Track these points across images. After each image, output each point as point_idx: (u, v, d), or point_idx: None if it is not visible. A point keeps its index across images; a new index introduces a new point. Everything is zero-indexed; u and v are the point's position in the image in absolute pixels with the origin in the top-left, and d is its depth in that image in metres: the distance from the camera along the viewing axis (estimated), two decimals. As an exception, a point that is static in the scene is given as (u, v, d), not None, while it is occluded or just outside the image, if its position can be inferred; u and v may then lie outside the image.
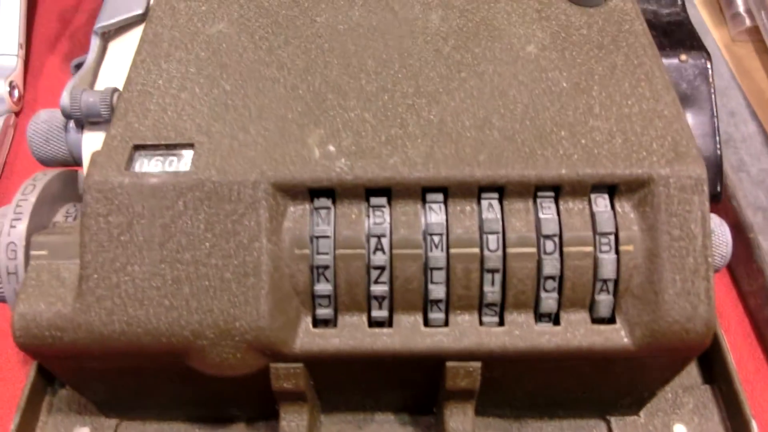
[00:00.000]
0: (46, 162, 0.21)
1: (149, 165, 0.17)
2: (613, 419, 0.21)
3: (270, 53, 0.20)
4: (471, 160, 0.17)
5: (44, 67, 0.35)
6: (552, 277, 0.17)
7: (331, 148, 0.18)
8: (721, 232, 0.19)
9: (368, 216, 0.17)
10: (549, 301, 0.17)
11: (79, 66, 0.25)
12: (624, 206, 0.17)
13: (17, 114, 0.33)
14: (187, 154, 0.18)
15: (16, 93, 0.33)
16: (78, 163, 0.20)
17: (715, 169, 0.21)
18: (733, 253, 0.27)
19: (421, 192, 0.17)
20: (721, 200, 0.21)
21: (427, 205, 0.17)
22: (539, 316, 0.17)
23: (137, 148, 0.18)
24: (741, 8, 0.33)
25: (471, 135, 0.18)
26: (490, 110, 0.18)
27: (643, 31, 0.20)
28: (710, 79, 0.21)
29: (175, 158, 0.18)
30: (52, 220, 0.19)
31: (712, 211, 0.20)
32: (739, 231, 0.26)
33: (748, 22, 0.32)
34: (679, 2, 0.22)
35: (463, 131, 0.18)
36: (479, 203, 0.17)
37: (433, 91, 0.19)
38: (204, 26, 0.21)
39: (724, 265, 0.20)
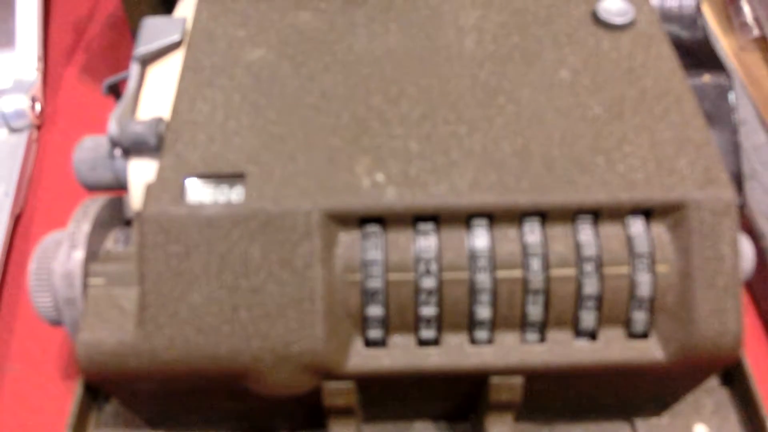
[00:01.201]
0: (92, 187, 0.21)
1: (203, 195, 0.18)
2: (637, 420, 0.22)
3: (311, 80, 0.21)
4: (513, 187, 0.18)
5: (62, 79, 0.36)
6: (591, 297, 0.18)
7: (380, 176, 0.18)
8: (743, 248, 0.20)
9: (416, 242, 0.18)
10: (588, 319, 0.18)
11: (112, 87, 0.25)
12: (659, 229, 0.18)
13: (39, 128, 0.33)
14: (239, 184, 0.18)
15: (37, 107, 0.33)
16: (123, 188, 0.21)
17: (738, 185, 0.22)
18: (747, 260, 0.28)
19: (467, 218, 0.18)
20: (743, 212, 0.22)
21: (472, 231, 0.18)
22: (578, 333, 0.18)
23: (190, 178, 0.18)
24: (749, 18, 0.33)
25: (512, 162, 0.18)
26: (529, 137, 0.19)
27: (670, 55, 0.21)
28: (731, 99, 0.22)
29: (227, 187, 0.18)
30: (103, 246, 0.20)
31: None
32: (753, 239, 0.27)
33: (756, 31, 0.33)
34: (700, 24, 0.23)
35: (504, 158, 0.19)
36: (522, 228, 0.18)
37: (473, 117, 0.20)
38: (243, 52, 0.21)
39: (747, 278, 0.21)
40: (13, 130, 0.32)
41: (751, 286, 0.28)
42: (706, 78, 0.22)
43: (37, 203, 0.31)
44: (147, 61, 0.22)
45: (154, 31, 0.23)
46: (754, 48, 0.33)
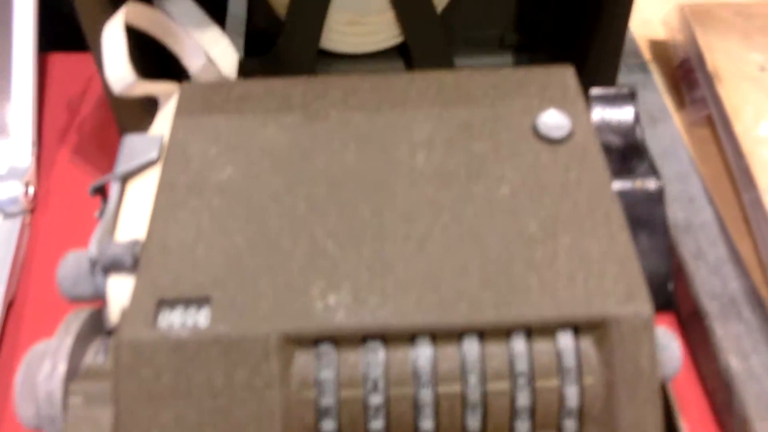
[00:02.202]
0: (74, 300, 0.23)
1: (172, 318, 0.20)
2: None
3: (274, 201, 0.23)
4: (453, 308, 0.20)
5: (55, 161, 0.38)
6: (525, 408, 0.20)
7: (332, 299, 0.20)
8: (671, 348, 0.22)
9: (365, 360, 0.20)
10: (523, 428, 0.20)
11: (98, 189, 0.27)
12: (586, 343, 0.20)
13: (31, 211, 0.35)
14: (206, 307, 0.20)
15: (30, 190, 0.35)
16: (103, 301, 0.23)
17: (668, 287, 0.23)
18: (693, 338, 0.30)
19: (411, 337, 0.20)
20: (674, 308, 0.24)
21: (416, 349, 0.20)
22: (515, 438, 0.20)
23: (161, 303, 0.20)
24: (700, 94, 0.35)
25: (453, 283, 0.20)
26: (470, 257, 0.21)
27: (603, 168, 0.23)
28: (664, 203, 0.24)
29: (195, 310, 0.20)
30: (84, 359, 0.22)
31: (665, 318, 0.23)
32: (698, 318, 0.29)
33: (707, 108, 0.35)
34: (638, 133, 0.25)
35: (446, 278, 0.20)
36: (461, 345, 0.20)
37: (420, 237, 0.22)
38: (214, 172, 0.24)
39: (675, 374, 0.22)
40: (7, 216, 0.34)
41: (698, 363, 0.29)
42: (639, 183, 0.24)
43: (29, 288, 0.33)
44: (126, 178, 0.24)
45: (133, 148, 0.25)
46: (704, 124, 0.35)
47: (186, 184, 0.23)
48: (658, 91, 0.38)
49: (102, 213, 0.27)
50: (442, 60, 0.39)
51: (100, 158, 0.38)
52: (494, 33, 0.39)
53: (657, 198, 0.24)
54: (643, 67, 0.40)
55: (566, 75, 0.26)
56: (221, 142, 0.24)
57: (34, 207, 0.35)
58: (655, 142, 0.35)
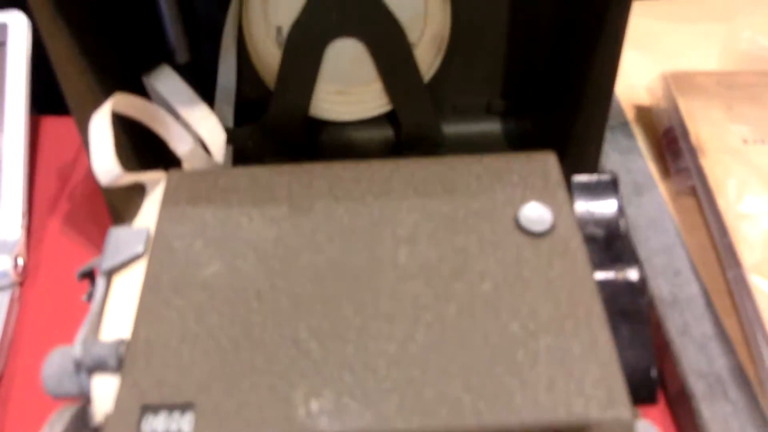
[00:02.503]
0: (59, 397, 0.23)
1: (156, 424, 0.20)
2: None
3: (259, 298, 0.23)
4: (435, 414, 0.20)
5: (45, 231, 0.38)
6: None
7: (314, 405, 0.20)
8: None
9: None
10: None
11: (86, 273, 0.27)
12: (567, 448, 0.20)
13: (21, 284, 0.35)
14: (190, 412, 0.20)
15: (20, 262, 0.35)
16: (88, 398, 0.23)
17: (650, 379, 0.23)
18: (681, 418, 0.30)
19: (393, 444, 0.20)
20: (657, 402, 0.24)
21: (398, 456, 0.20)
22: None
23: (145, 409, 0.20)
24: (685, 164, 0.36)
25: (435, 388, 0.20)
26: (452, 358, 0.21)
27: (585, 264, 0.23)
28: (646, 294, 0.24)
29: (179, 415, 0.20)
30: (69, 460, 0.22)
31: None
32: (685, 398, 0.29)
33: (692, 179, 0.35)
34: (622, 225, 0.25)
35: (427, 382, 0.21)
36: (443, 452, 0.20)
37: (402, 337, 0.22)
38: (199, 268, 0.24)
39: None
40: (-3, 290, 0.34)
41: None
42: (621, 274, 0.24)
43: (17, 364, 0.33)
44: (112, 272, 0.24)
45: (119, 242, 0.25)
46: (690, 193, 0.36)
47: (171, 281, 0.23)
48: (642, 156, 0.38)
49: (90, 296, 0.27)
50: (430, 127, 0.39)
51: (90, 227, 0.38)
52: (481, 100, 0.40)
53: (639, 289, 0.24)
54: (626, 129, 0.40)
55: (548, 163, 0.26)
56: (207, 236, 0.25)
57: (23, 280, 0.36)
58: (640, 212, 0.35)
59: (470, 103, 0.40)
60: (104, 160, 0.26)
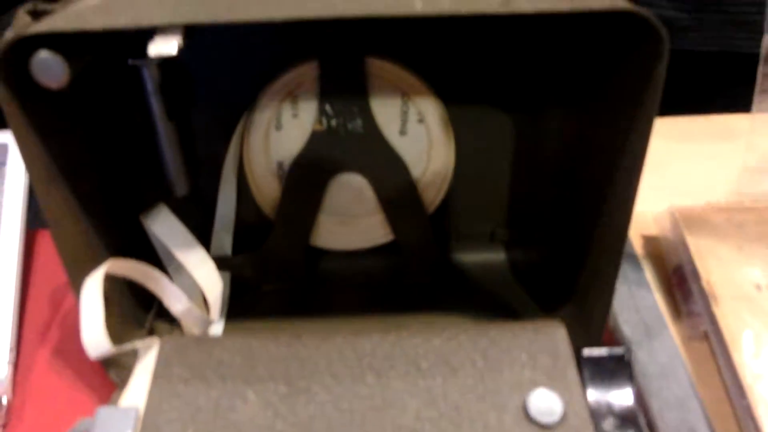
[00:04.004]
0: None
1: None
2: None
3: None
4: None
5: (34, 364, 0.36)
6: None
7: None
8: None
9: None
10: None
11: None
12: None
13: (4, 426, 0.34)
14: None
15: (4, 400, 0.34)
16: None
17: None
18: None
19: None
20: None
21: None
22: None
23: None
24: (696, 309, 0.35)
25: None
26: None
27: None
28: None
29: None
30: None
31: None
32: None
33: (704, 324, 0.34)
34: (639, 418, 0.24)
35: None
36: None
37: None
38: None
39: None
40: (-22, 436, 0.32)
41: None
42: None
43: None
44: (97, 460, 0.23)
45: (107, 424, 0.24)
46: (703, 337, 0.34)
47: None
48: (651, 291, 0.37)
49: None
50: (433, 256, 0.38)
51: (80, 362, 0.36)
52: (485, 229, 0.39)
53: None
54: (634, 261, 0.39)
55: (556, 338, 0.25)
56: (198, 422, 0.23)
57: (6, 422, 0.34)
58: (651, 358, 0.34)
59: (474, 232, 0.39)
60: (93, 334, 0.25)
